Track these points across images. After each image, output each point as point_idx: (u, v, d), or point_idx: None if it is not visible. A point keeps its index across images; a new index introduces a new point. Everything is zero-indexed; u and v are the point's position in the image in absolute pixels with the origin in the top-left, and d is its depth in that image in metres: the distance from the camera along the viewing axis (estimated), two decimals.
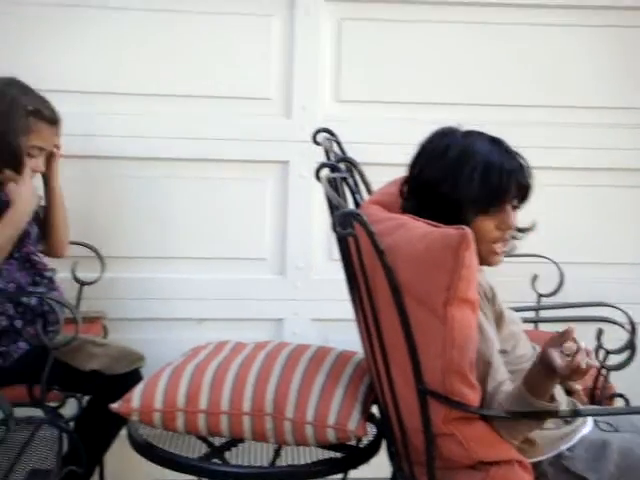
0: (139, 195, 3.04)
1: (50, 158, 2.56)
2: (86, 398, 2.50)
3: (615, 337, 2.27)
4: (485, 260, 1.99)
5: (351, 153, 2.41)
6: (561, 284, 2.91)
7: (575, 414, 1.98)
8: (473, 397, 1.81)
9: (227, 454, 2.32)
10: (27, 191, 2.46)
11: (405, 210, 2.04)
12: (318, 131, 2.45)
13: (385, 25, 3.08)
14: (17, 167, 2.45)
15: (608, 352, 2.25)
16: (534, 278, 2.96)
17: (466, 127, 2.07)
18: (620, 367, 2.22)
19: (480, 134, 2.04)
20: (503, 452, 1.85)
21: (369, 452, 2.22)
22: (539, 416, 1.83)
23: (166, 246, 3.09)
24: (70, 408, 2.45)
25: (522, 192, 2.00)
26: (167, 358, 2.38)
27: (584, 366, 1.71)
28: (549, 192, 2.25)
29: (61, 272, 2.65)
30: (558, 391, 1.86)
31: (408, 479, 1.95)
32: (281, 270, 3.15)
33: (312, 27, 3.03)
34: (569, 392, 2.11)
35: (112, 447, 2.57)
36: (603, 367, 2.29)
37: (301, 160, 3.05)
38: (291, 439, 2.11)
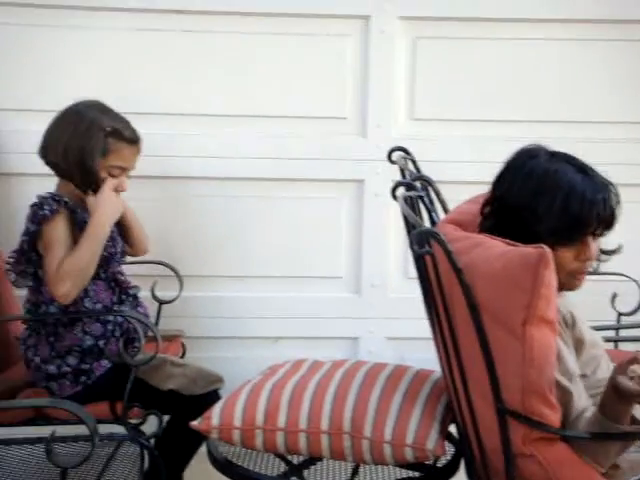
0: (217, 215, 3.08)
1: None
2: (166, 417, 2.52)
3: None
4: (565, 286, 1.95)
5: (426, 171, 2.41)
6: None
7: None
8: (553, 417, 1.79)
9: (305, 472, 2.32)
10: (106, 203, 2.48)
11: (483, 229, 2.02)
12: (393, 150, 2.46)
13: (459, 43, 3.08)
14: (96, 187, 2.49)
15: None
16: (614, 296, 2.91)
17: (552, 147, 2.02)
18: None
19: (567, 159, 1.98)
20: (585, 475, 1.83)
21: (447, 472, 2.21)
22: (621, 437, 1.80)
23: (243, 265, 3.12)
24: (150, 425, 2.48)
25: (604, 224, 1.94)
26: (243, 376, 2.40)
27: None
28: (628, 209, 2.22)
29: (140, 291, 2.70)
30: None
31: None
32: (357, 289, 3.16)
33: (387, 46, 3.04)
34: None
35: (191, 464, 2.59)
36: None
37: (376, 179, 3.06)
38: (369, 458, 2.11)
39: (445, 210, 2.39)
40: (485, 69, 3.10)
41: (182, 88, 3.04)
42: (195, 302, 3.06)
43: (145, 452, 2.45)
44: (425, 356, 2.54)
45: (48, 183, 2.53)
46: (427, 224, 2.22)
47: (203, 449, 2.42)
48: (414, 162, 2.48)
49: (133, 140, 2.53)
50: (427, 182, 2.34)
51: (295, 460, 2.32)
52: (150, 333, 2.45)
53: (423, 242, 1.79)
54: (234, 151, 3.05)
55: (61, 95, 2.56)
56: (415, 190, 2.15)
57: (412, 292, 2.91)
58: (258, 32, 3.03)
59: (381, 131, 3.07)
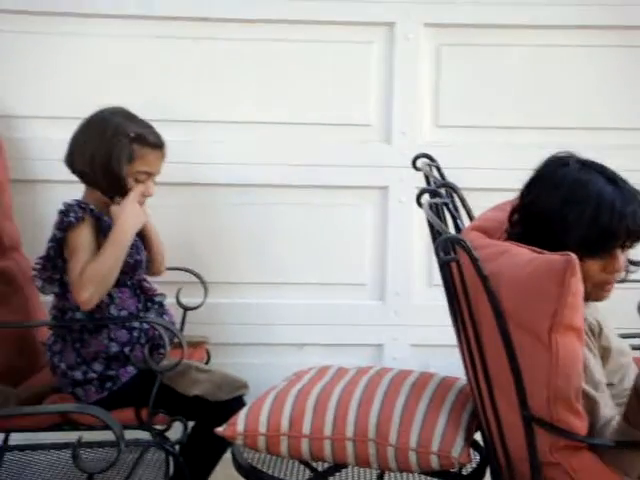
0: (241, 221, 3.09)
1: None
2: (191, 423, 2.53)
3: None
4: (591, 296, 1.94)
5: (450, 178, 2.40)
6: None
7: None
8: (580, 425, 1.78)
9: (330, 479, 2.32)
10: (129, 210, 2.49)
11: (510, 236, 2.02)
12: (418, 156, 2.46)
13: (484, 50, 3.08)
14: (123, 193, 2.51)
15: None
16: None
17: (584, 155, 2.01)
18: None
19: (598, 168, 1.96)
20: None
21: (473, 479, 2.20)
22: None
23: (267, 271, 3.13)
24: (175, 432, 2.49)
25: (633, 237, 1.92)
26: (268, 383, 2.41)
27: None
28: None
29: (166, 298, 2.70)
30: None
31: None
32: (381, 296, 3.16)
33: (411, 53, 3.05)
34: None
35: (215, 470, 2.59)
36: None
37: (400, 185, 3.06)
38: (394, 465, 2.11)
39: (470, 217, 2.39)
40: (510, 76, 3.09)
41: (210, 95, 3.05)
42: (220, 309, 3.07)
43: (170, 458, 2.46)
44: (449, 363, 2.53)
45: (73, 190, 2.55)
46: (452, 231, 2.22)
47: (227, 455, 2.43)
48: (439, 169, 2.47)
49: (158, 145, 2.55)
50: (452, 189, 2.33)
51: (320, 467, 2.32)
52: (175, 340, 2.46)
53: (449, 249, 1.79)
54: (259, 158, 3.06)
55: (85, 102, 2.56)
56: (440, 197, 2.14)
57: (436, 299, 2.92)
58: (283, 39, 3.04)
59: (406, 138, 3.07)
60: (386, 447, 2.09)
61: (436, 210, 2.13)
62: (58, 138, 2.58)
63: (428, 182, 2.37)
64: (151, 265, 2.70)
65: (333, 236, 3.12)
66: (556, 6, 3.02)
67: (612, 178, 1.94)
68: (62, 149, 2.53)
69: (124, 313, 2.50)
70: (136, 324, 2.49)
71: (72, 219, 2.43)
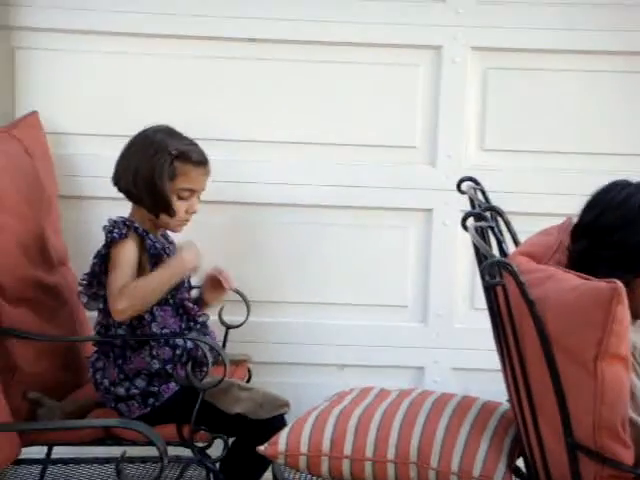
0: (285, 241, 3.11)
1: None
2: (231, 440, 2.54)
3: None
4: None
5: (494, 202, 2.40)
6: None
7: None
8: (626, 455, 1.77)
9: None
10: (193, 252, 2.53)
11: (572, 253, 2.02)
12: (463, 179, 2.46)
13: (531, 74, 3.07)
14: (167, 210, 2.53)
15: None
16: None
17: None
18: None
19: None
20: None
21: None
22: None
23: (310, 292, 3.14)
24: (215, 449, 2.49)
25: None
26: (308, 402, 2.41)
27: None
28: None
29: (209, 318, 2.71)
30: None
31: None
32: (422, 318, 3.16)
33: (458, 76, 3.04)
34: None
35: None
36: None
37: (445, 208, 3.06)
38: None
39: (515, 242, 2.39)
40: (556, 100, 3.07)
41: (258, 115, 3.07)
42: (262, 327, 3.08)
43: (211, 475, 2.46)
44: (490, 388, 2.52)
45: (120, 207, 2.57)
46: (498, 256, 2.21)
47: (267, 474, 2.44)
48: (483, 192, 2.47)
49: (200, 162, 2.56)
50: (497, 213, 2.33)
51: None
52: (219, 358, 2.46)
53: (495, 273, 1.79)
54: (303, 178, 3.07)
55: (133, 120, 2.60)
56: (485, 221, 2.14)
57: (478, 323, 2.92)
58: (329, 61, 3.05)
59: (451, 161, 3.07)
60: (427, 470, 2.08)
61: (481, 234, 2.13)
62: (106, 155, 2.63)
63: (473, 205, 2.37)
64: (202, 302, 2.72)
65: (376, 257, 3.11)
66: (604, 31, 3.01)
67: None
68: (109, 166, 2.56)
69: (166, 332, 2.51)
70: (179, 342, 2.50)
71: (116, 235, 2.45)
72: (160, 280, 2.47)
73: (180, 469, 2.51)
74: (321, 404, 2.33)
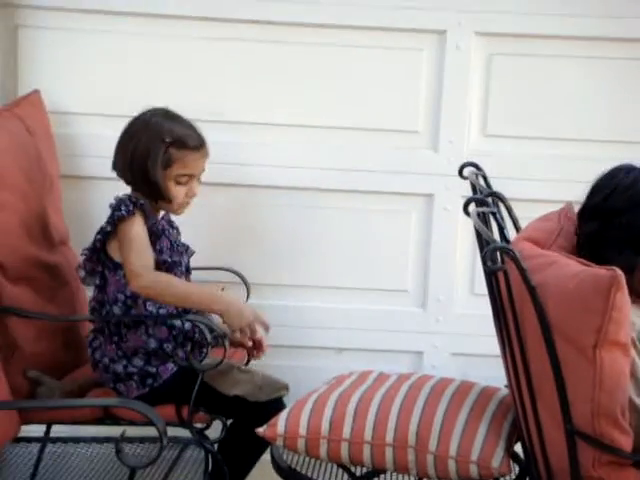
0: (285, 224, 3.10)
1: None
2: (230, 421, 2.54)
3: None
4: None
5: (496, 188, 2.40)
6: None
7: None
8: (625, 442, 1.77)
9: None
10: (232, 300, 2.48)
11: (581, 235, 2.03)
12: (465, 165, 2.45)
13: (534, 60, 3.06)
14: (163, 198, 2.52)
15: None
16: None
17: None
18: None
19: None
20: None
21: None
22: None
23: (309, 275, 3.14)
24: (214, 430, 2.50)
25: None
26: (306, 385, 2.42)
27: None
28: None
29: None
30: None
31: None
32: (422, 303, 3.16)
33: (462, 62, 3.04)
34: None
35: (253, 472, 2.61)
36: None
37: (446, 194, 3.06)
38: (433, 473, 2.11)
39: (517, 227, 2.38)
40: (560, 87, 3.07)
41: (258, 98, 3.06)
42: (261, 310, 3.06)
43: (209, 456, 2.47)
44: (489, 373, 2.53)
45: (120, 188, 2.56)
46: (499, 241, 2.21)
47: (264, 456, 2.44)
48: (485, 178, 2.47)
49: (196, 147, 2.54)
50: (499, 198, 2.33)
51: (358, 471, 2.32)
52: (219, 340, 2.46)
53: (497, 258, 1.79)
54: (305, 161, 3.07)
55: (135, 101, 2.59)
56: (487, 206, 2.14)
57: (478, 308, 2.93)
58: (332, 44, 3.04)
59: (453, 146, 3.07)
60: (426, 454, 2.09)
61: (483, 219, 2.13)
62: (107, 135, 2.61)
63: (474, 191, 2.37)
64: None
65: (377, 242, 3.12)
66: (609, 18, 3.00)
67: None
68: (111, 146, 2.55)
69: (163, 311, 2.51)
70: (177, 323, 2.50)
71: (123, 212, 2.44)
72: (188, 292, 2.43)
73: (179, 450, 2.51)
74: (320, 387, 2.33)
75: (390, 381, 2.32)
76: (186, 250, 2.67)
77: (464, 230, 3.03)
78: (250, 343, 2.51)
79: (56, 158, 2.90)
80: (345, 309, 3.15)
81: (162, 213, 2.61)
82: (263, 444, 2.37)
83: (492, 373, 2.48)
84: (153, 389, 2.48)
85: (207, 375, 2.43)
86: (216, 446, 2.49)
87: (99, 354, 2.52)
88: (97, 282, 2.53)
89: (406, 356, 3.16)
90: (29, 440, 2.63)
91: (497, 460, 2.05)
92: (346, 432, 2.14)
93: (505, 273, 1.81)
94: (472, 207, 2.09)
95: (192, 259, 2.69)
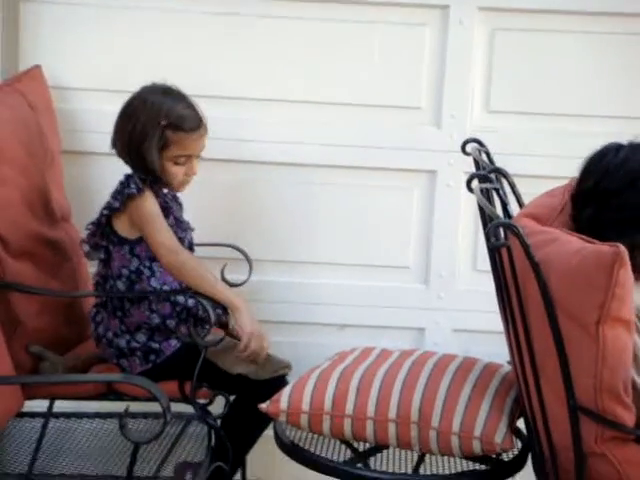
0: (287, 200, 3.09)
1: None
2: (232, 397, 2.55)
3: None
4: None
5: (499, 164, 2.39)
6: None
7: None
8: (628, 417, 1.77)
9: (371, 460, 2.34)
10: (248, 318, 2.49)
11: (578, 221, 2.02)
12: (468, 141, 2.44)
13: (538, 35, 3.04)
14: (161, 179, 2.52)
15: None
16: None
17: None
18: None
19: None
20: None
21: (514, 466, 2.20)
22: None
23: (311, 251, 3.13)
24: (217, 406, 2.51)
25: None
26: (308, 361, 2.43)
27: None
28: None
29: None
30: None
31: None
32: (424, 279, 3.15)
33: (465, 37, 3.01)
34: None
35: (255, 448, 2.62)
36: None
37: (449, 170, 3.05)
38: (436, 448, 2.12)
39: (520, 204, 2.38)
40: (564, 63, 3.05)
41: (261, 74, 3.05)
42: (263, 286, 3.08)
43: (212, 432, 2.48)
44: (491, 350, 2.54)
45: (121, 164, 2.56)
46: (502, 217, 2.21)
47: (267, 432, 2.45)
48: (488, 154, 2.46)
49: (192, 129, 2.51)
50: (502, 175, 2.32)
51: (361, 447, 2.33)
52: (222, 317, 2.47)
53: (500, 234, 1.78)
54: (307, 138, 3.05)
55: (137, 76, 2.59)
56: (490, 182, 2.13)
57: (480, 285, 2.93)
58: (334, 19, 3.02)
59: (455, 122, 3.05)
60: (428, 430, 2.10)
61: (487, 195, 2.12)
62: (109, 111, 2.60)
63: (477, 167, 2.36)
64: None
65: (379, 218, 3.11)
66: None
67: None
68: (112, 122, 2.55)
69: (166, 288, 2.51)
70: (180, 299, 2.50)
71: (133, 190, 2.44)
72: (202, 277, 2.46)
73: (182, 425, 2.52)
74: (323, 363, 2.34)
75: (393, 357, 2.33)
76: (188, 225, 2.67)
77: (467, 206, 3.01)
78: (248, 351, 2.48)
79: (57, 133, 2.89)
80: (347, 285, 3.14)
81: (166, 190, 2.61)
82: (266, 420, 2.38)
83: (495, 349, 2.49)
84: (156, 365, 2.49)
85: (210, 352, 2.43)
86: (219, 422, 2.50)
87: (102, 328, 2.53)
88: (101, 256, 2.53)
89: (408, 333, 3.16)
90: (32, 415, 2.65)
91: (500, 436, 2.06)
92: (349, 408, 2.14)
93: (508, 249, 1.80)
94: (475, 183, 2.08)
95: (194, 235, 2.68)
